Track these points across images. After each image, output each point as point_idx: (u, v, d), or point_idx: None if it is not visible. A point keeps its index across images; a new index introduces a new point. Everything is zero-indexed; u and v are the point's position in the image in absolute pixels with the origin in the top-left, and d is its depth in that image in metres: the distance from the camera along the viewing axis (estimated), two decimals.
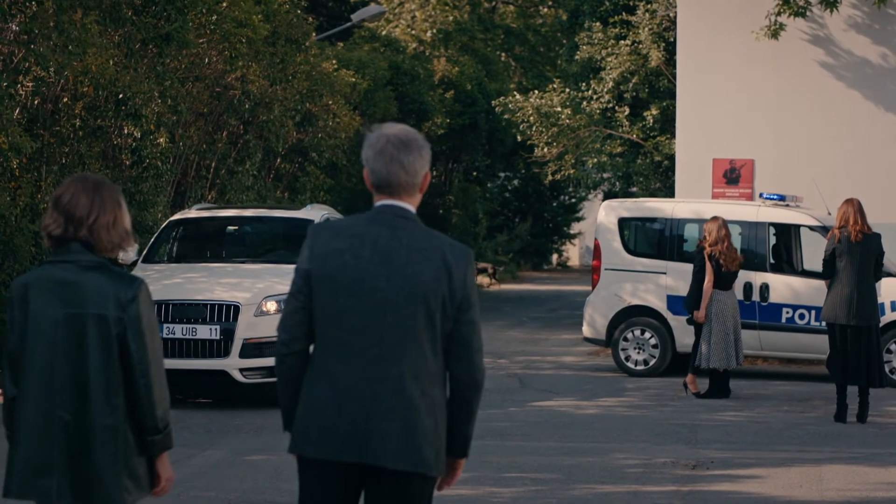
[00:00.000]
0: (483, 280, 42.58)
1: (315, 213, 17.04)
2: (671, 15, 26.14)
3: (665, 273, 19.14)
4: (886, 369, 17.09)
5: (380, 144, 5.13)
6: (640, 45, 27.07)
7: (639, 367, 19.07)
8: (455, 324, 5.09)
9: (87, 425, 5.29)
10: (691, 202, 19.89)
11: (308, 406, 5.11)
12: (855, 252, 14.49)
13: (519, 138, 30.76)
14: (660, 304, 19.08)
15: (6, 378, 5.43)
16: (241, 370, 14.89)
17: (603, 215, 19.77)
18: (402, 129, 5.18)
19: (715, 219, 16.84)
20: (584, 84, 28.49)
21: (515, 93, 30.12)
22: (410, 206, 5.17)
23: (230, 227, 17.74)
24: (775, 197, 19.24)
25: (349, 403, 5.03)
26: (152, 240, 16.90)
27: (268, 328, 14.55)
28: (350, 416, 5.02)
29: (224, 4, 20.70)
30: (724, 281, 16.61)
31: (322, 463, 5.08)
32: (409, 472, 5.04)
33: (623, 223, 19.62)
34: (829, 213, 18.74)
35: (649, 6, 27.16)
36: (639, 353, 19.12)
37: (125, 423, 5.32)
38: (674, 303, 18.90)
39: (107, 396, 5.29)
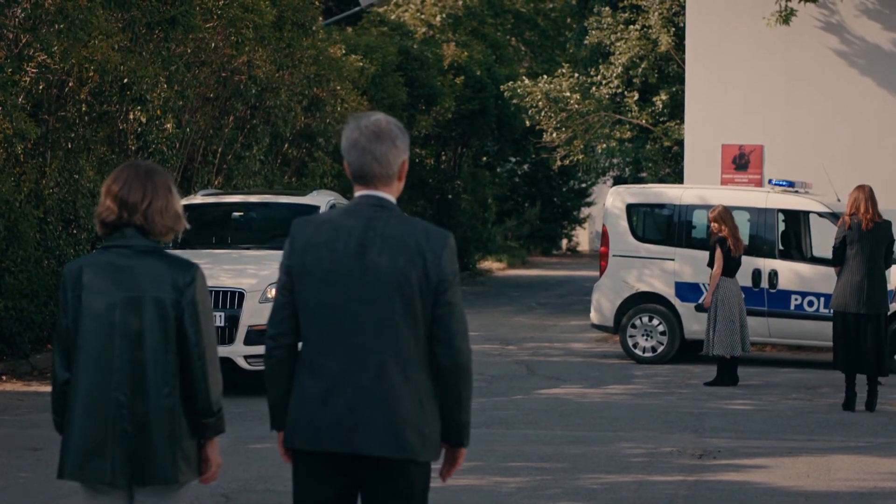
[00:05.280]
0: (493, 265, 42.52)
1: (321, 198, 16.96)
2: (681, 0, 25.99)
3: (673, 259, 19.03)
4: None
5: (353, 137, 5.17)
6: (650, 30, 26.92)
7: (647, 354, 18.97)
8: (434, 307, 5.10)
9: (144, 407, 5.36)
10: (699, 188, 19.79)
11: (297, 399, 5.16)
12: (865, 240, 14.37)
13: (528, 123, 30.63)
14: (668, 291, 18.97)
15: (56, 363, 5.48)
16: (246, 357, 14.83)
17: (611, 201, 19.68)
18: (375, 120, 5.19)
19: (721, 206, 16.78)
20: (593, 69, 28.33)
21: (524, 78, 29.97)
22: (388, 195, 5.20)
23: (235, 213, 17.67)
24: (784, 183, 19.13)
25: (334, 395, 5.09)
26: None
27: None
28: (335, 407, 5.08)
29: None
30: (730, 268, 16.50)
31: (312, 455, 5.14)
32: (396, 459, 5.06)
33: (631, 209, 19.52)
34: (839, 200, 18.62)
35: None
36: (647, 339, 19.02)
37: (180, 405, 5.38)
38: (682, 289, 18.81)
39: (164, 378, 5.37)
